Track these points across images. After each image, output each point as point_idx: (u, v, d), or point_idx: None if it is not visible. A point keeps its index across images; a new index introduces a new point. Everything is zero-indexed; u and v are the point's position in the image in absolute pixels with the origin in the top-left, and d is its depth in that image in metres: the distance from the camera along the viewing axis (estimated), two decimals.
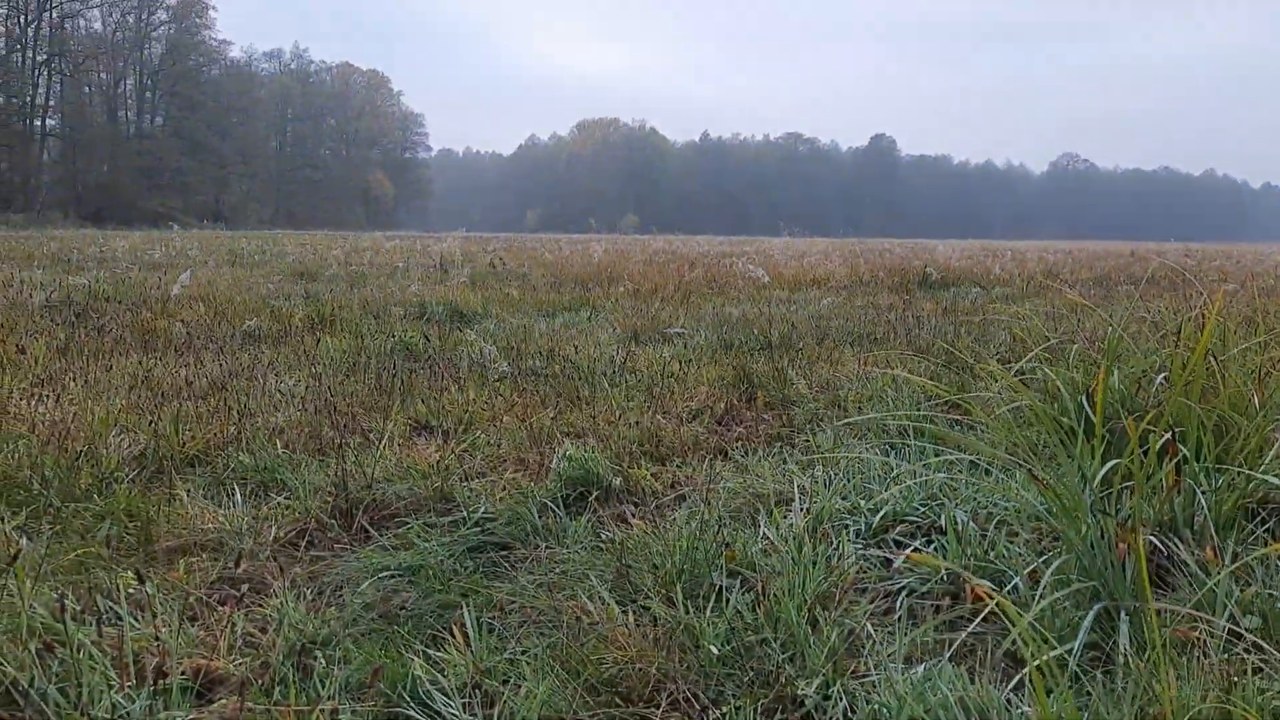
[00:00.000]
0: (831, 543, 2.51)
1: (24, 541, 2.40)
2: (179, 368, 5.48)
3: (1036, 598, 2.02)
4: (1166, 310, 6.04)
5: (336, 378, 5.09)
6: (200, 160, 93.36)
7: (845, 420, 3.91)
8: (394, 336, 6.47)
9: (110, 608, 2.12)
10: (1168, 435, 2.40)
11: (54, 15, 79.43)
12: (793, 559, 2.31)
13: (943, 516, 2.51)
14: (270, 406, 4.46)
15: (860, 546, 2.49)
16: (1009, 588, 2.20)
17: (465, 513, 2.69)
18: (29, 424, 3.93)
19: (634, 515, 2.90)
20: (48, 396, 4.54)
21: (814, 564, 2.31)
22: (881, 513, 2.60)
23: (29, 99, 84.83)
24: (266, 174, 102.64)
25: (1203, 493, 2.37)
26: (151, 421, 3.98)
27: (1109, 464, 2.41)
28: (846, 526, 2.62)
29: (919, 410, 3.97)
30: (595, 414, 4.25)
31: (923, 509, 2.64)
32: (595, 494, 2.97)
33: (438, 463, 3.29)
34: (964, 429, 3.68)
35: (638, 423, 4.02)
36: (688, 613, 2.13)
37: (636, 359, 6.02)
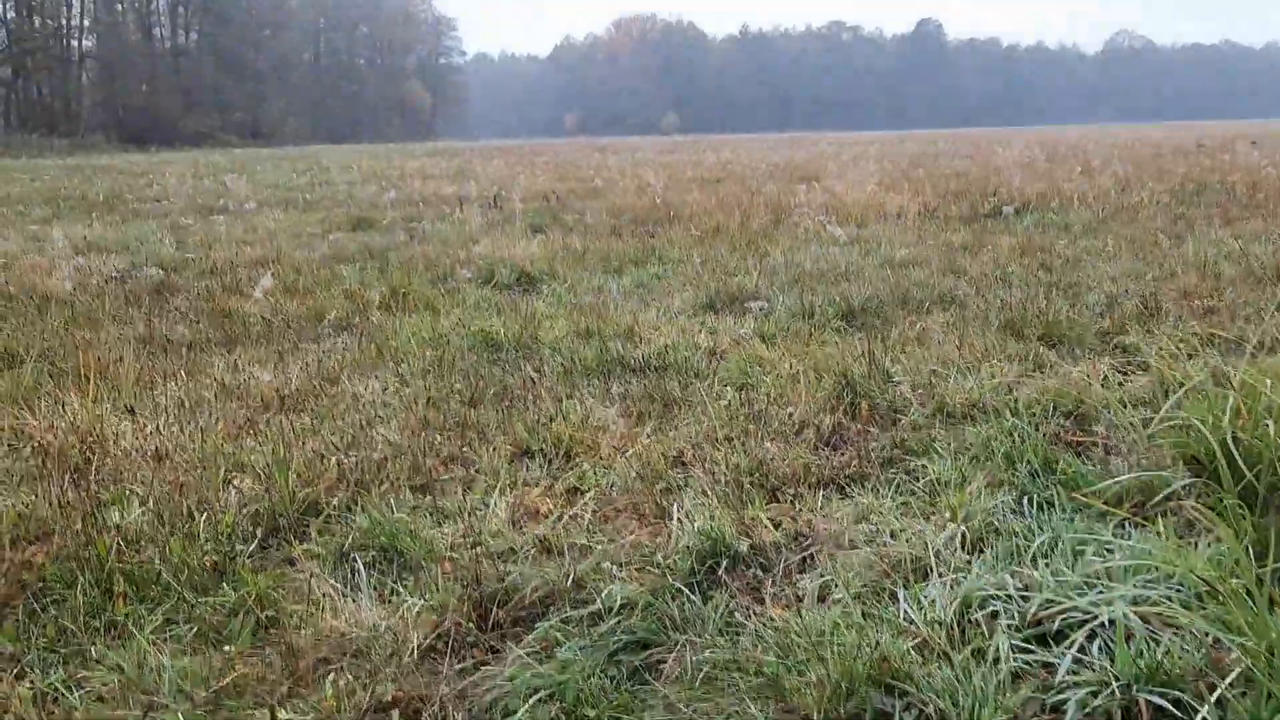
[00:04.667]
0: (985, 636, 2.42)
1: (166, 662, 2.39)
2: (264, 368, 5.46)
3: None
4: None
5: (423, 382, 5.04)
6: (236, 77, 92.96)
7: (962, 445, 3.78)
8: (470, 320, 6.39)
9: None
10: None
11: None
12: (956, 675, 2.24)
13: (1104, 613, 2.40)
14: (365, 425, 4.42)
15: (1019, 641, 2.40)
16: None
17: (600, 603, 2.63)
18: (133, 463, 3.93)
19: (765, 587, 2.83)
20: (145, 419, 4.54)
21: (970, 674, 2.24)
22: (1037, 601, 2.50)
23: (64, 21, 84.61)
24: (303, 88, 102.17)
25: None
26: (256, 455, 3.97)
27: None
28: (997, 614, 2.52)
29: (1036, 425, 3.83)
30: (695, 431, 4.16)
31: (1077, 593, 2.54)
32: (724, 564, 2.90)
33: (555, 521, 3.24)
34: (1090, 460, 3.55)
35: (744, 446, 3.93)
36: None
37: (719, 337, 5.90)
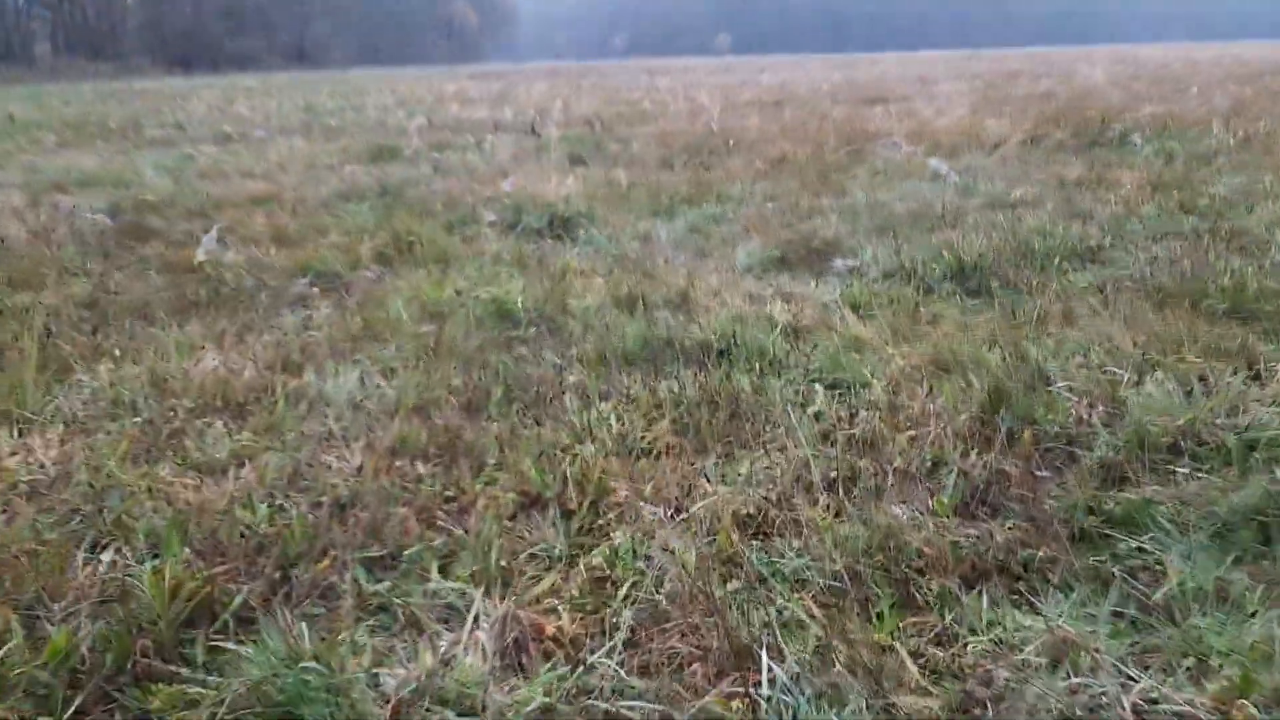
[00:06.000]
0: None
1: None
2: (217, 348, 4.27)
3: None
4: None
5: (411, 374, 3.80)
6: None
7: (1201, 511, 2.46)
8: (485, 279, 5.14)
9: None
10: None
11: None
12: None
13: None
14: (322, 444, 3.22)
15: None
16: None
17: None
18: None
19: None
20: (35, 431, 3.38)
21: None
22: None
23: None
24: (349, 8, 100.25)
25: None
26: (153, 502, 2.79)
27: None
28: None
29: None
30: (779, 469, 2.89)
31: None
32: None
33: (569, 670, 2.00)
34: None
35: (854, 500, 2.66)
36: None
37: (798, 306, 4.60)
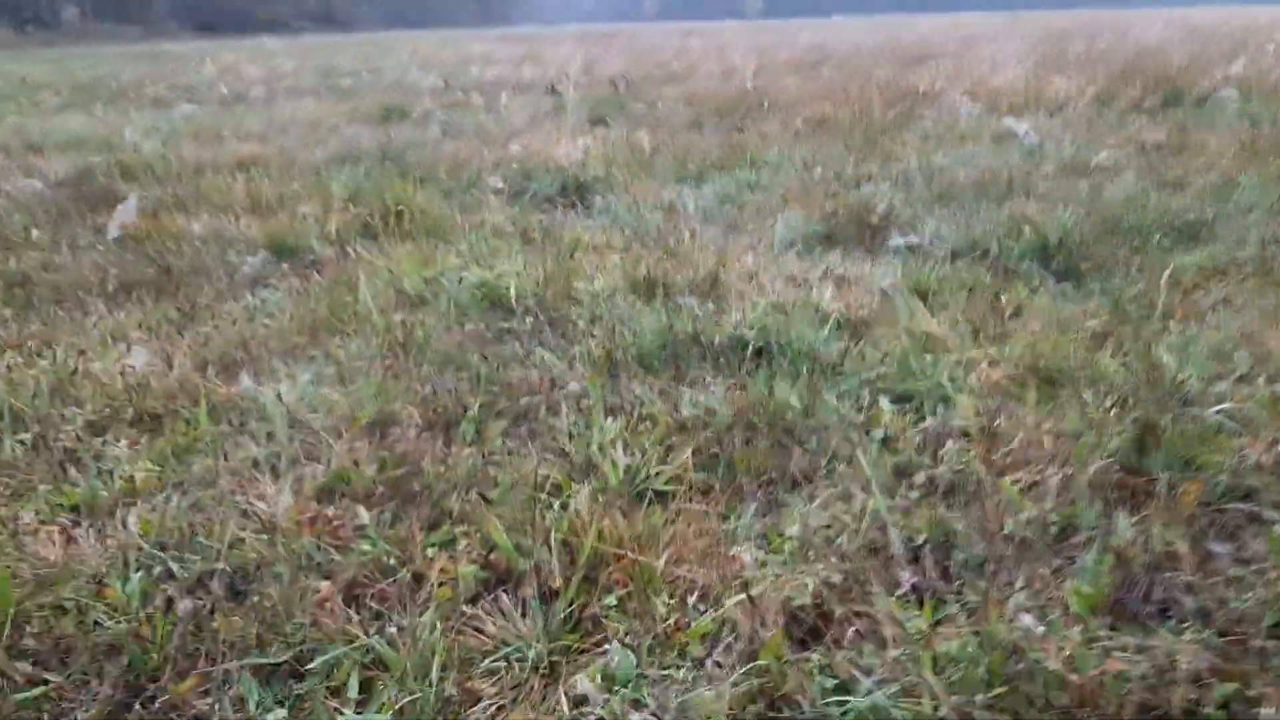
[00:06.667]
0: None
1: None
2: (147, 340, 3.53)
3: None
4: None
5: (374, 377, 3.04)
6: None
7: None
8: (480, 255, 4.36)
9: None
10: None
11: None
12: None
13: None
14: (246, 481, 2.47)
15: None
16: None
17: None
18: None
19: None
20: None
21: None
22: None
23: None
24: None
25: None
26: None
27: None
28: None
29: None
30: (840, 523, 2.10)
31: None
32: None
33: None
34: None
35: (946, 578, 1.87)
36: None
37: (851, 292, 3.79)
